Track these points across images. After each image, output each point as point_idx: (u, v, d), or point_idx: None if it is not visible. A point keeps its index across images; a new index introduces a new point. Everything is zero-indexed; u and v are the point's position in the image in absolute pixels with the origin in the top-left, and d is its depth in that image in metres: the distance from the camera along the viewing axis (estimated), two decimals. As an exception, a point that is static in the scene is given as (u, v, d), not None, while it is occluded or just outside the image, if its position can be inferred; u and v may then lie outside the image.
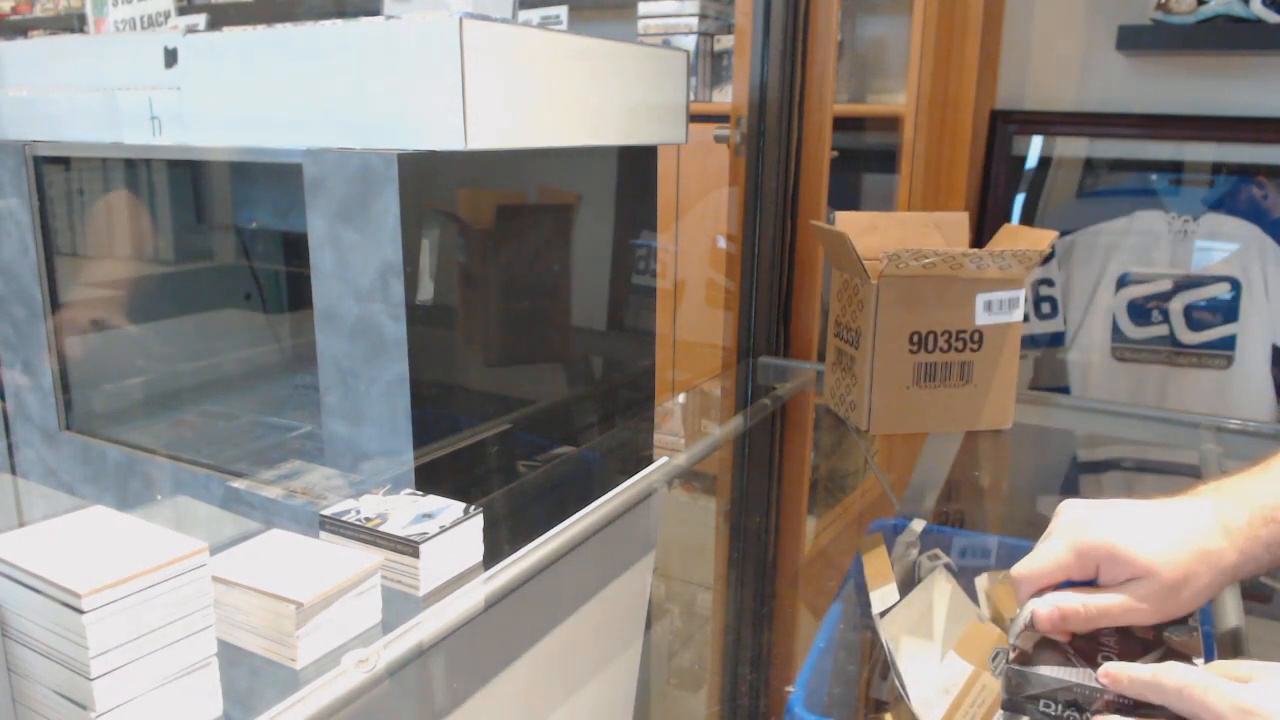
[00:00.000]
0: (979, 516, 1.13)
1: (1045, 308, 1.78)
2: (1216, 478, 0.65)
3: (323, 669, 0.64)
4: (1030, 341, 1.78)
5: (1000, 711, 0.58)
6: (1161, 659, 0.58)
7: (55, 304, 1.23)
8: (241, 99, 0.98)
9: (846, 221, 1.25)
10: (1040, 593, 0.61)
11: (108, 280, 1.34)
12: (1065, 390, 1.77)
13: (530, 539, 0.86)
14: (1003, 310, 1.14)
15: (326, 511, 0.77)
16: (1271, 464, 0.64)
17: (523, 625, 0.84)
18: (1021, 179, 1.82)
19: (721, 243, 1.65)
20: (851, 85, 1.96)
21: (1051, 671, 0.57)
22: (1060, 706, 0.56)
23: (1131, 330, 1.72)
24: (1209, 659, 0.59)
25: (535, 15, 1.49)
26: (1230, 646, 0.76)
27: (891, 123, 1.80)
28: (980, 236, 1.75)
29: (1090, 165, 1.78)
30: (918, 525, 0.93)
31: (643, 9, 2.04)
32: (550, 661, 0.87)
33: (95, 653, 0.53)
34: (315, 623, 0.65)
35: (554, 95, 0.99)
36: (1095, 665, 0.57)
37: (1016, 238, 1.19)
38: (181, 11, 2.25)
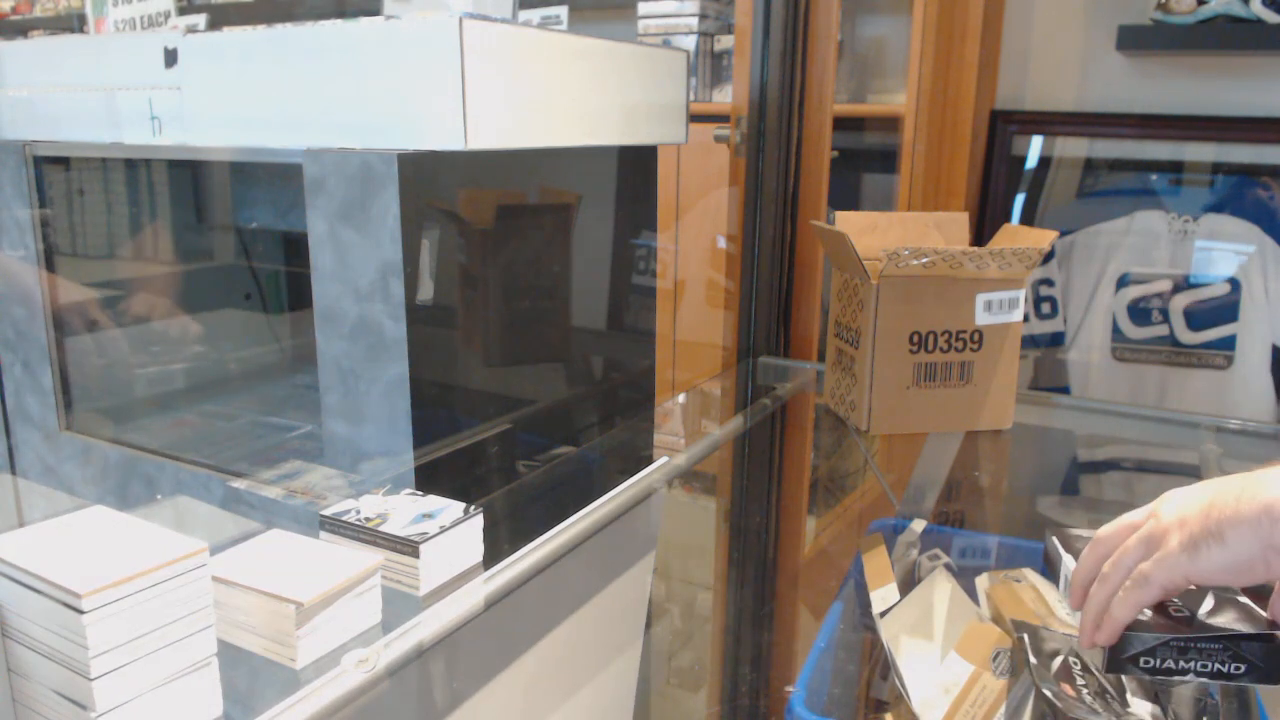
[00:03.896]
0: (979, 516, 1.13)
1: (1045, 308, 1.78)
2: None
3: (323, 669, 0.64)
4: (1030, 341, 1.78)
5: (1003, 707, 0.58)
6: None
7: (55, 304, 1.23)
8: (242, 99, 0.98)
9: (846, 221, 1.25)
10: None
11: (108, 280, 1.34)
12: (1065, 390, 1.77)
13: (530, 539, 0.86)
14: (1003, 310, 1.14)
15: (326, 511, 0.77)
16: None
17: (523, 625, 0.84)
18: (1021, 179, 1.82)
19: (721, 243, 1.65)
20: (851, 85, 1.96)
21: (1151, 630, 0.59)
22: (1159, 661, 0.59)
23: (1131, 330, 1.72)
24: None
25: (535, 15, 1.49)
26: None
27: (891, 123, 1.80)
28: (980, 236, 1.75)
29: (1090, 165, 1.78)
30: (918, 525, 0.93)
31: (643, 9, 2.04)
32: (550, 661, 0.87)
33: (95, 653, 0.53)
34: (315, 623, 0.65)
35: (554, 95, 0.99)
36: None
37: (1016, 237, 1.19)
38: (181, 11, 2.25)
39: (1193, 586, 0.58)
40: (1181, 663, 0.58)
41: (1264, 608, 0.60)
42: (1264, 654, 0.57)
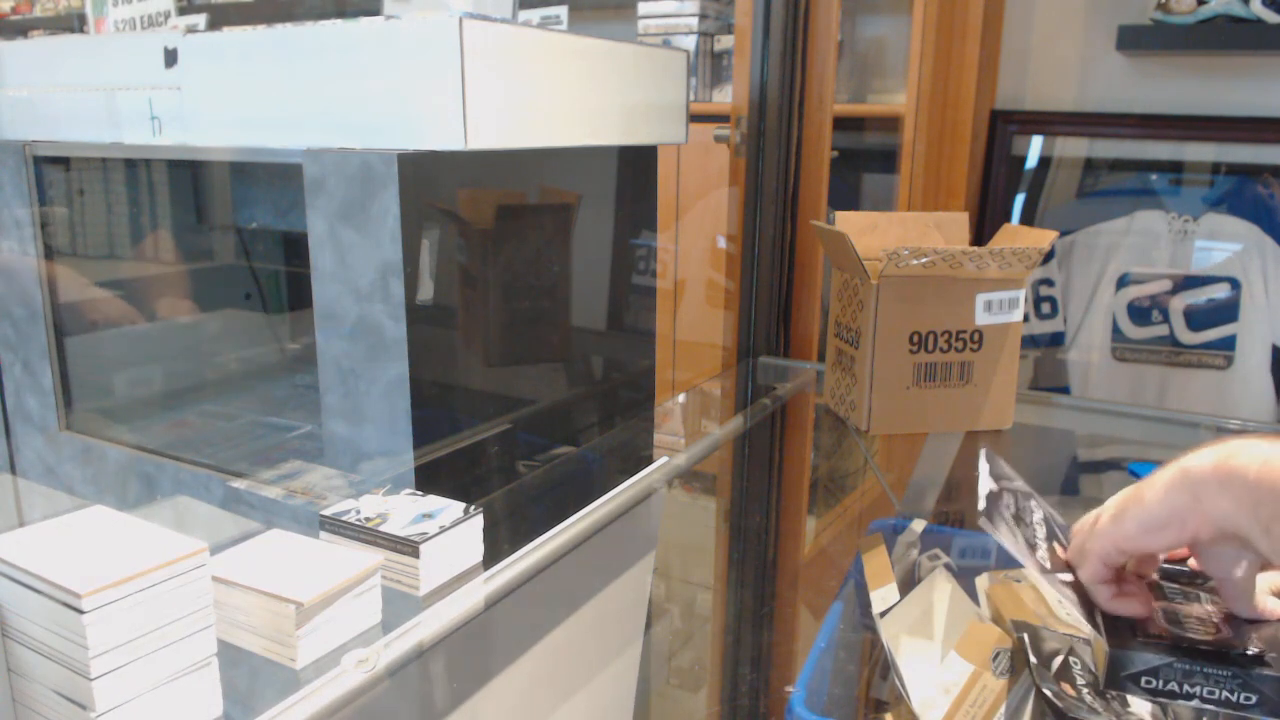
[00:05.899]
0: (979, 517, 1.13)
1: (1045, 308, 1.78)
2: None
3: (323, 669, 0.64)
4: (1030, 341, 1.78)
5: (1003, 707, 0.58)
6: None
7: (55, 304, 1.23)
8: (241, 99, 0.98)
9: (846, 221, 1.25)
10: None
11: (108, 280, 1.34)
12: (1065, 390, 1.77)
13: (530, 539, 0.86)
14: (1003, 310, 1.14)
15: (326, 511, 0.77)
16: None
17: (523, 625, 0.84)
18: (1021, 179, 1.82)
19: (721, 243, 1.65)
20: (851, 85, 1.96)
21: (1152, 649, 0.57)
22: (1162, 682, 0.57)
23: (1131, 330, 1.72)
24: None
25: (535, 15, 1.49)
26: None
27: (891, 123, 1.80)
28: (980, 236, 1.75)
29: (1090, 165, 1.78)
30: (918, 525, 0.93)
31: (643, 9, 2.04)
32: (550, 661, 0.87)
33: (95, 653, 0.53)
34: (315, 623, 0.65)
35: (554, 95, 0.99)
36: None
37: (1016, 237, 1.19)
38: (181, 11, 2.25)
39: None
40: (1186, 687, 0.55)
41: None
42: (1277, 687, 0.54)
